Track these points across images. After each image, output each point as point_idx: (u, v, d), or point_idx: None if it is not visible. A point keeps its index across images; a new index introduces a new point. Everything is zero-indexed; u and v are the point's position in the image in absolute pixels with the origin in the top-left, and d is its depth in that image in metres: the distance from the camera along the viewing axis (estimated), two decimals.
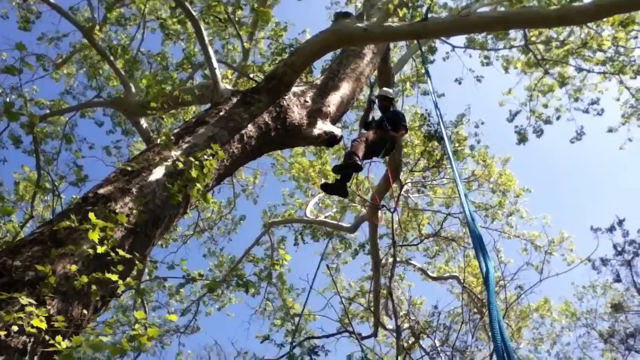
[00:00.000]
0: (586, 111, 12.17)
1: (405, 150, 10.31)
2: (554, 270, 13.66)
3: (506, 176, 12.46)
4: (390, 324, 12.20)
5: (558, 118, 12.43)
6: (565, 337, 15.77)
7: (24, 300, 2.44)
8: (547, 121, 12.38)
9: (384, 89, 7.39)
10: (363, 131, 6.76)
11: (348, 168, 6.16)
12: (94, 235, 2.88)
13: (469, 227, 3.07)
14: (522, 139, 12.29)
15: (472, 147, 12.16)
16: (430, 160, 9.90)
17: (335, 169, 6.44)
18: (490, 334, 2.05)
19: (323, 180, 8.79)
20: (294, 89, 5.61)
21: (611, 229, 14.76)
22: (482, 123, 12.37)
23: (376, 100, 6.91)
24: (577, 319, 15.60)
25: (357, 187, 10.71)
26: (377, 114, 6.99)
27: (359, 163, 5.98)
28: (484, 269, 2.41)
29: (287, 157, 13.06)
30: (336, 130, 5.75)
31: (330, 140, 5.69)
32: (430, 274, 13.57)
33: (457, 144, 11.37)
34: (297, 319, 11.70)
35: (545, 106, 12.45)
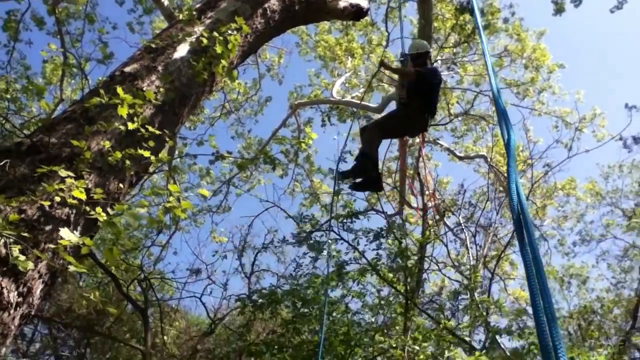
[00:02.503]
0: None
1: (435, 24, 9.86)
2: (583, 148, 13.50)
3: (540, 51, 11.94)
4: (415, 202, 12.47)
5: None
6: (589, 215, 15.98)
7: (63, 172, 2.53)
8: None
9: (415, 41, 6.10)
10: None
11: (356, 174, 5.36)
12: (123, 111, 2.91)
13: (494, 99, 3.06)
14: (559, 9, 11.56)
15: (505, 20, 11.58)
16: (462, 35, 9.50)
17: (341, 176, 5.58)
18: (507, 193, 2.14)
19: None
20: None
21: None
22: None
23: (407, 59, 5.72)
24: (602, 198, 15.66)
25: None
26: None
27: (372, 173, 5.26)
28: (506, 136, 2.48)
29: (312, 35, 12.69)
30: (362, 2, 5.49)
31: (356, 13, 5.45)
32: (458, 154, 13.60)
33: (490, 17, 10.80)
34: (327, 198, 12.06)
35: None
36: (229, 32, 3.81)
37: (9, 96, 4.99)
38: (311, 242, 8.18)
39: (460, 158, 13.63)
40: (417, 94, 5.36)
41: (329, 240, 7.81)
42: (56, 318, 11.59)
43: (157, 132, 3.19)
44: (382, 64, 5.82)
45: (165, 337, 11.72)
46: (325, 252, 7.86)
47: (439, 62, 11.60)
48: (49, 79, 8.55)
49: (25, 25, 7.27)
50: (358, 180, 5.48)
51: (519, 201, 1.97)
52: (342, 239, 8.09)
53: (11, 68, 6.76)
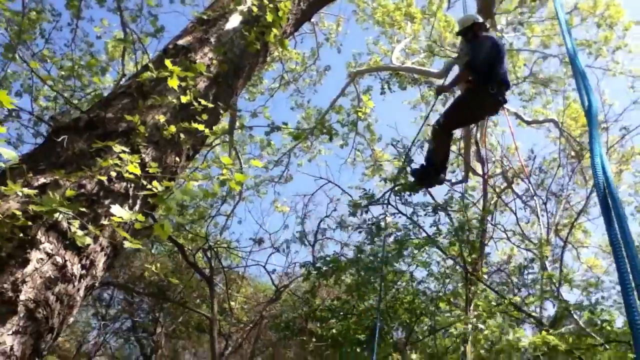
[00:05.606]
0: None
1: None
2: None
3: (614, 7, 11.10)
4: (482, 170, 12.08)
5: None
6: None
7: (117, 148, 2.57)
8: None
9: (460, 18, 5.62)
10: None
11: (425, 178, 5.65)
12: (173, 83, 2.91)
13: (571, 60, 2.82)
14: None
15: None
16: None
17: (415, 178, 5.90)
18: (591, 170, 1.89)
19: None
20: None
21: None
22: None
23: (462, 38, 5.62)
24: None
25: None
26: None
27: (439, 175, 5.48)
28: (586, 103, 2.23)
29: (370, 2, 12.34)
30: None
31: None
32: (526, 118, 12.98)
33: None
34: (389, 167, 11.91)
35: None
36: None
37: (74, 74, 5.16)
38: (370, 225, 8.12)
39: (529, 122, 13.01)
40: (478, 72, 5.12)
41: (387, 215, 7.71)
42: (130, 284, 12.21)
43: (210, 104, 3.18)
44: (439, 90, 6.04)
45: (232, 304, 12.10)
46: (384, 232, 7.76)
47: (504, 24, 11.04)
48: (112, 55, 8.79)
49: (87, 3, 7.48)
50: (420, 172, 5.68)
51: (605, 178, 1.74)
52: (399, 212, 7.94)
53: (75, 46, 6.98)
